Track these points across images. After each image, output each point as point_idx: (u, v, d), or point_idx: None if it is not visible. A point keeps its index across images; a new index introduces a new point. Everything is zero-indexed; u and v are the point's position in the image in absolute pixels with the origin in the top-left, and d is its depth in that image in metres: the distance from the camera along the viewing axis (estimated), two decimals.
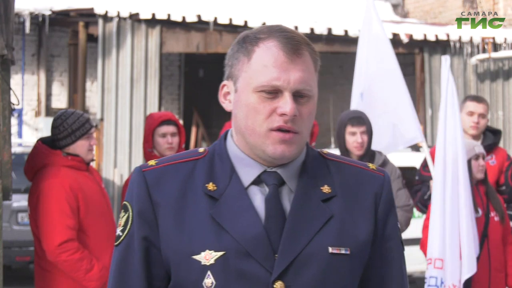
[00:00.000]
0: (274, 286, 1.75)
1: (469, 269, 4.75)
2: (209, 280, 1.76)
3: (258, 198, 1.82)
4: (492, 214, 5.05)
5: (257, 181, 1.83)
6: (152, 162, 1.90)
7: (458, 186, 4.81)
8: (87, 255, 4.33)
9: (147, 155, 5.17)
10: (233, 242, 1.76)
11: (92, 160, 4.63)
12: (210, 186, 1.82)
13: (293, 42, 1.80)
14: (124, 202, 1.89)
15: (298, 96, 1.80)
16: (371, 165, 1.95)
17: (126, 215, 1.87)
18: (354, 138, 5.06)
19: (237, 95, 1.83)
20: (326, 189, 1.85)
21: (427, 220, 5.13)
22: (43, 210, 4.34)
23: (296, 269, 1.77)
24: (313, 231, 1.80)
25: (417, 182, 5.73)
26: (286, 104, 1.77)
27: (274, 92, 1.78)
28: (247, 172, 1.83)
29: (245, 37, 1.85)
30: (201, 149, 1.91)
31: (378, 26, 6.05)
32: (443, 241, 4.77)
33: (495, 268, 5.02)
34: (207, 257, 1.76)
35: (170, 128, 5.17)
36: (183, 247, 1.79)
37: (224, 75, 1.90)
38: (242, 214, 1.79)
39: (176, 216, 1.81)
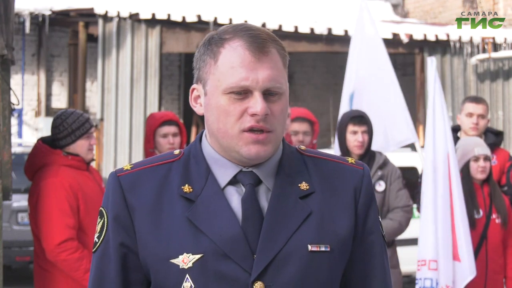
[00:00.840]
0: (254, 286, 1.73)
1: (470, 271, 4.75)
2: (188, 283, 1.74)
3: (235, 198, 1.79)
4: (494, 216, 5.04)
5: (233, 182, 1.81)
6: (127, 166, 1.87)
7: (451, 187, 4.82)
8: (86, 255, 4.33)
9: (149, 155, 5.18)
10: (211, 244, 1.74)
11: (93, 160, 4.63)
12: (186, 188, 1.80)
13: (258, 40, 1.77)
14: (100, 208, 1.86)
15: (268, 94, 1.77)
16: (350, 159, 1.92)
17: (102, 221, 1.84)
18: (355, 137, 5.06)
19: (207, 98, 1.81)
20: (304, 186, 1.82)
21: None
22: (42, 209, 4.35)
23: (275, 268, 1.75)
24: (292, 229, 1.77)
25: (419, 183, 5.75)
26: (256, 104, 1.75)
27: (243, 93, 1.76)
28: (223, 172, 1.81)
29: (210, 38, 1.82)
30: (176, 151, 1.89)
31: (372, 27, 6.07)
32: (436, 242, 4.77)
33: (492, 270, 5.00)
34: (185, 260, 1.74)
35: (172, 129, 5.19)
36: (161, 251, 1.76)
37: (194, 78, 1.88)
38: (219, 215, 1.77)
39: (153, 220, 1.79)
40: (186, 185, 1.80)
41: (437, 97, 4.98)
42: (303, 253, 1.76)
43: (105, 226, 1.83)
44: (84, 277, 4.31)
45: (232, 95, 1.76)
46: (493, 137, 5.70)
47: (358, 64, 5.99)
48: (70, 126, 4.50)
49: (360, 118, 5.11)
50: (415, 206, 5.67)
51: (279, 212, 1.79)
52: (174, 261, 1.75)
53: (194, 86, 1.87)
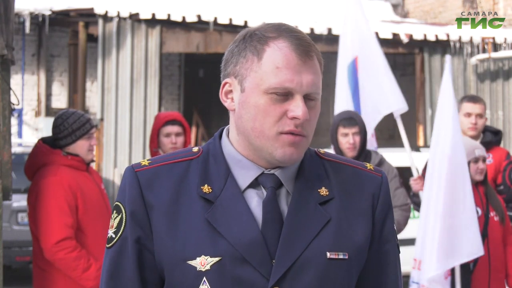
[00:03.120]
0: None
1: (474, 249, 4.78)
2: (204, 286, 1.71)
3: (254, 201, 1.76)
4: (492, 214, 5.07)
5: (254, 184, 1.78)
6: (145, 162, 1.82)
7: (456, 186, 4.85)
8: (84, 254, 4.33)
9: (153, 155, 5.28)
10: (229, 247, 1.71)
11: (93, 160, 4.64)
12: (206, 189, 1.76)
13: (304, 44, 1.75)
14: (116, 203, 1.81)
15: (307, 99, 1.75)
16: (368, 165, 1.90)
17: (119, 216, 1.79)
18: (346, 139, 5.05)
19: (244, 95, 1.76)
20: (323, 191, 1.80)
21: None
22: (41, 208, 4.35)
23: (293, 275, 1.72)
24: (311, 236, 1.74)
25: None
26: (298, 107, 1.72)
27: (285, 94, 1.73)
28: (244, 174, 1.77)
29: (252, 34, 1.77)
30: (195, 149, 1.84)
31: (365, 24, 6.05)
32: (423, 241, 4.87)
33: (495, 268, 5.03)
34: (203, 262, 1.71)
35: (175, 128, 5.24)
36: (177, 251, 1.72)
37: (223, 72, 1.82)
38: (238, 218, 1.73)
39: (170, 219, 1.75)
40: (206, 185, 1.76)
41: (446, 98, 5.00)
42: (321, 260, 1.74)
43: (124, 222, 1.78)
44: (82, 277, 4.31)
45: (273, 96, 1.72)
46: (491, 136, 5.70)
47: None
48: (70, 126, 4.51)
49: (350, 120, 5.09)
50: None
51: (299, 217, 1.75)
52: (192, 262, 1.71)
53: (227, 80, 1.80)
